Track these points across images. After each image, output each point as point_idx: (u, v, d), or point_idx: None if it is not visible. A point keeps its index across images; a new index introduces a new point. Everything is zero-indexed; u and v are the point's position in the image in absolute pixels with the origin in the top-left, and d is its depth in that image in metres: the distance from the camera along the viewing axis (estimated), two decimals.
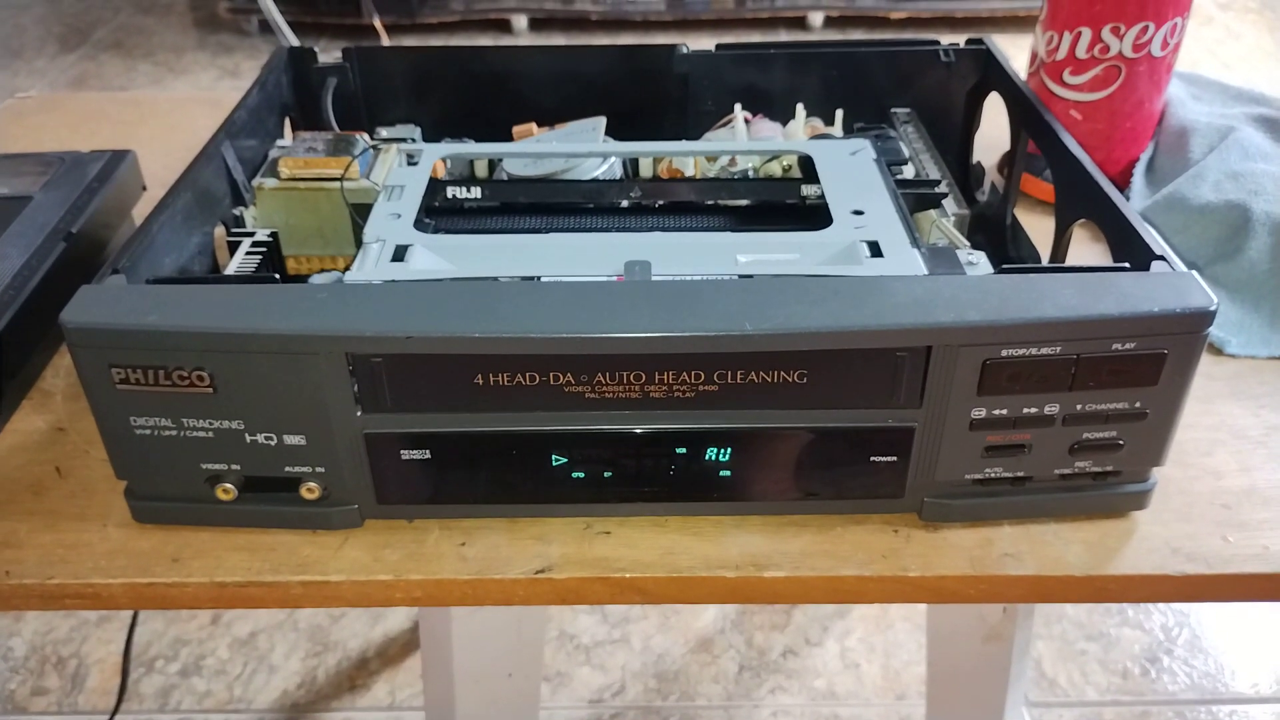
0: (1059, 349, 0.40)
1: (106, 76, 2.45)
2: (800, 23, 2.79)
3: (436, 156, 0.54)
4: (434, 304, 0.41)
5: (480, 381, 0.41)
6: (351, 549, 0.45)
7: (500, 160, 0.60)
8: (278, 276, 0.44)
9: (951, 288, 0.41)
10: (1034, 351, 0.40)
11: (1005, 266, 0.43)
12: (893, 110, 0.66)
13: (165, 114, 0.84)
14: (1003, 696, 0.67)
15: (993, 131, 0.67)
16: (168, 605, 0.45)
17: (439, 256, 0.46)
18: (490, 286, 0.42)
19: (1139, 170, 0.70)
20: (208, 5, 2.86)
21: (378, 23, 2.47)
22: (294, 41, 1.21)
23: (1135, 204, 0.67)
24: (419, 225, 0.49)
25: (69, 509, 0.48)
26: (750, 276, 0.44)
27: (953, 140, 0.67)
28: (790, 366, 0.41)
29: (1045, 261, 0.56)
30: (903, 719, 1.10)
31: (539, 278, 0.44)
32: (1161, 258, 0.43)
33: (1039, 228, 0.58)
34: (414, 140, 0.64)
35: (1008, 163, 0.71)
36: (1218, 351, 0.57)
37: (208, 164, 0.53)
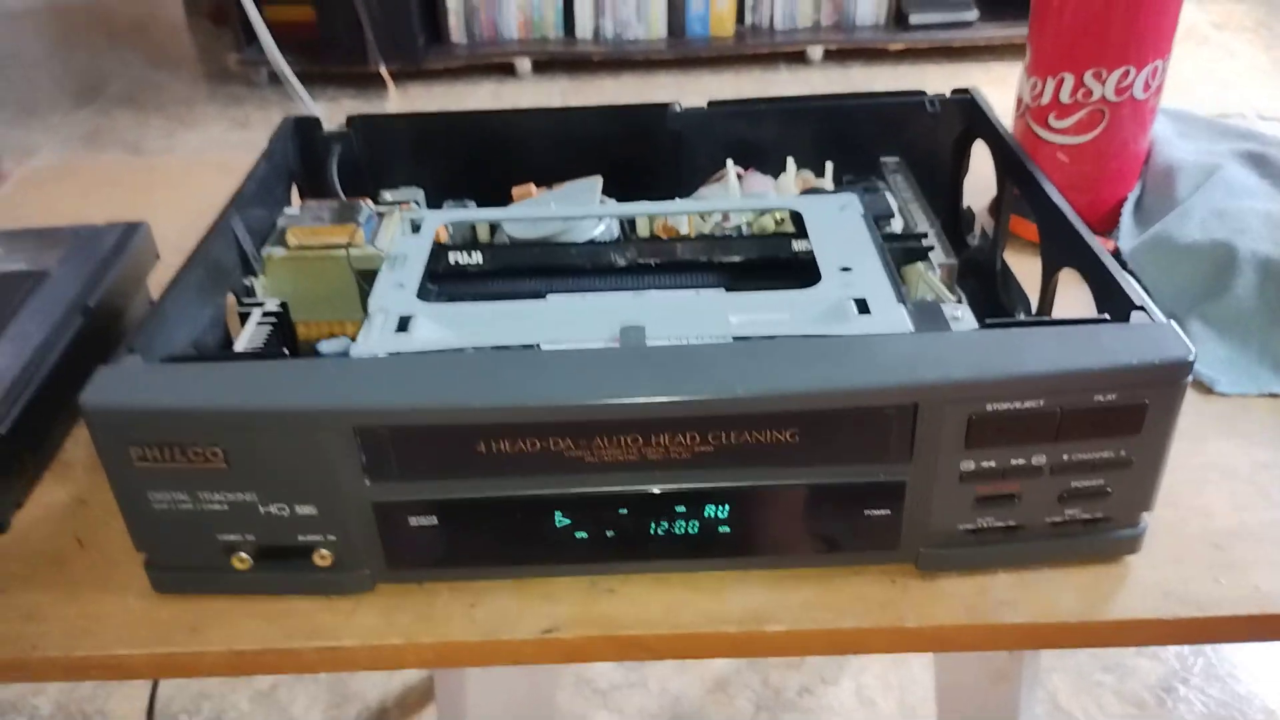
0: (1042, 402, 0.42)
1: (119, 130, 2.49)
2: (800, 57, 2.82)
3: (438, 223, 0.56)
4: (437, 376, 0.42)
5: (483, 449, 0.43)
6: (364, 613, 0.46)
7: (500, 224, 0.61)
8: (287, 351, 0.45)
9: (936, 345, 0.43)
10: (1018, 405, 0.42)
11: (989, 321, 0.45)
12: (882, 160, 0.68)
13: (177, 179, 0.87)
14: None
15: (985, 172, 0.68)
16: (188, 674, 0.46)
17: (441, 325, 0.47)
18: (490, 357, 0.44)
19: (1127, 210, 0.71)
20: (217, 59, 2.91)
21: (384, 71, 2.51)
22: (303, 92, 1.25)
23: (1123, 244, 0.68)
24: (422, 293, 0.51)
25: (90, 580, 0.49)
26: (743, 339, 0.45)
27: (942, 186, 0.69)
28: (782, 426, 0.42)
29: (1034, 305, 0.58)
30: None
31: (538, 345, 0.45)
32: (1141, 308, 0.45)
33: (1030, 269, 0.59)
34: (417, 204, 0.66)
35: (997, 207, 0.72)
36: (1207, 390, 0.58)
37: (218, 238, 0.55)
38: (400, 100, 2.57)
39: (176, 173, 0.88)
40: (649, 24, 2.82)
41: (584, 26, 2.82)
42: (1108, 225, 0.72)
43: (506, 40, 2.83)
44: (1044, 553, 0.46)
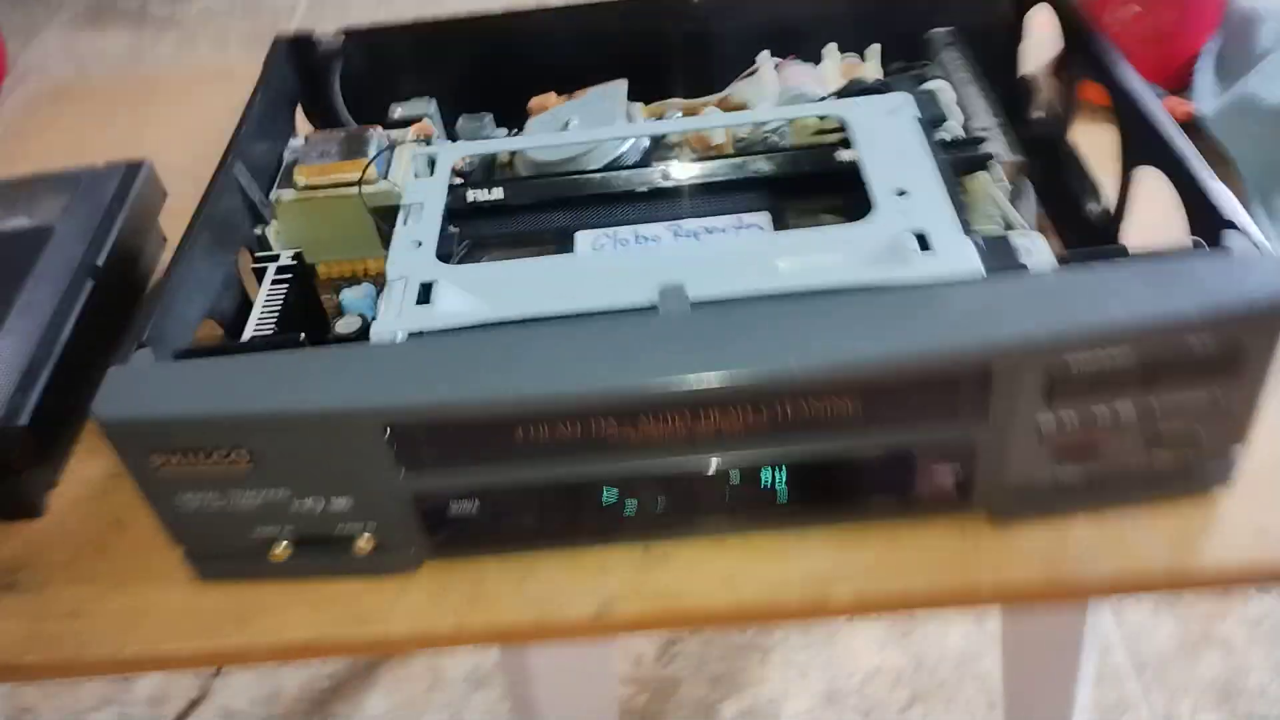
0: (1129, 351, 0.38)
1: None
2: None
3: (454, 158, 0.52)
4: (465, 366, 0.39)
5: (522, 436, 0.40)
6: (411, 594, 0.45)
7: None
8: (303, 336, 0.42)
9: (1010, 295, 0.39)
10: (1103, 356, 0.38)
11: (1066, 256, 0.40)
12: (931, 32, 0.61)
13: (177, 94, 0.82)
14: (1074, 690, 0.65)
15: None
16: (237, 663, 0.45)
17: (464, 292, 0.44)
18: (520, 339, 0.40)
19: (1205, 65, 0.64)
20: None
21: None
22: None
23: (1203, 105, 0.62)
24: (442, 244, 0.47)
25: (132, 567, 0.48)
26: (793, 294, 0.41)
27: (999, 55, 0.62)
28: (842, 394, 0.39)
29: (1107, 198, 0.52)
30: None
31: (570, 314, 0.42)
32: (1235, 225, 0.40)
33: (1100, 142, 0.53)
34: (430, 119, 0.62)
35: (1060, 68, 0.66)
36: None
37: (222, 194, 0.51)
38: None
39: (176, 88, 0.83)
40: None
41: None
42: (1182, 81, 0.66)
43: None
44: (1126, 494, 0.43)
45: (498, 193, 0.52)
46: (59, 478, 0.53)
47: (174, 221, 0.67)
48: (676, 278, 0.42)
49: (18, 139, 0.79)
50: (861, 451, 0.41)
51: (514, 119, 0.62)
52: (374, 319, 0.53)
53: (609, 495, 0.42)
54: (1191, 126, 0.62)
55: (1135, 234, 0.51)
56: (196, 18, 2.25)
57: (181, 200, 0.62)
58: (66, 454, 0.54)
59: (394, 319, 0.43)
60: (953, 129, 0.51)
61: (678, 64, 0.62)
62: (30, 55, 2.13)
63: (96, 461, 0.53)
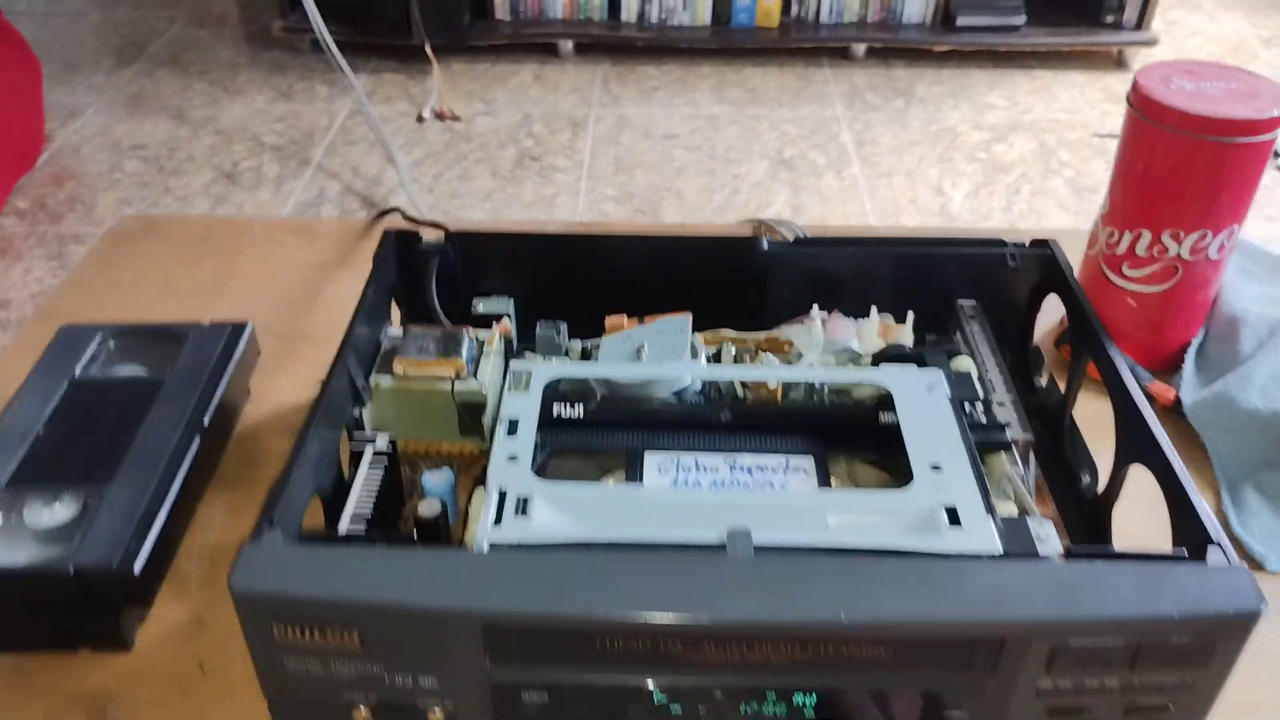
0: (1121, 639, 0.45)
1: (163, 95, 2.50)
2: (844, 53, 2.81)
3: (545, 378, 0.59)
4: (560, 582, 0.45)
5: (598, 645, 0.46)
6: None
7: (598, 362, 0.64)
8: (416, 534, 0.49)
9: (1025, 580, 0.46)
10: (1099, 641, 0.45)
11: (1072, 550, 0.48)
12: (959, 303, 0.70)
13: (262, 243, 0.89)
14: None
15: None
16: None
17: (557, 511, 0.51)
18: (609, 564, 0.47)
19: (1190, 357, 0.74)
20: (260, 20, 2.91)
21: (428, 49, 2.51)
22: (346, 66, 1.29)
23: (1185, 394, 0.71)
24: (536, 456, 0.54)
25: (216, 711, 0.53)
26: (842, 551, 0.48)
27: (1014, 324, 0.71)
28: (877, 642, 0.46)
29: (1101, 477, 0.60)
30: None
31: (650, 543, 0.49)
32: (1217, 543, 0.48)
33: (1098, 412, 0.62)
34: (510, 317, 0.70)
35: (1066, 349, 0.75)
36: (1257, 566, 0.61)
37: (335, 385, 0.58)
38: (444, 77, 2.57)
39: (262, 237, 0.90)
40: (695, 10, 2.80)
41: (629, 9, 2.81)
42: (1169, 365, 0.75)
43: (551, 20, 2.81)
44: None
45: (579, 409, 0.59)
46: (147, 613, 0.58)
47: (259, 375, 0.74)
48: (741, 522, 0.49)
49: (111, 270, 0.86)
50: (884, 688, 0.47)
51: (584, 329, 0.70)
52: (451, 506, 0.59)
53: (659, 699, 0.48)
54: (1173, 410, 0.71)
55: (1123, 517, 0.59)
56: (235, 122, 2.36)
57: (266, 355, 0.69)
58: (154, 589, 0.59)
59: (496, 528, 0.50)
60: (978, 411, 0.59)
61: (736, 298, 0.70)
62: (68, 134, 2.22)
63: (181, 605, 0.59)
